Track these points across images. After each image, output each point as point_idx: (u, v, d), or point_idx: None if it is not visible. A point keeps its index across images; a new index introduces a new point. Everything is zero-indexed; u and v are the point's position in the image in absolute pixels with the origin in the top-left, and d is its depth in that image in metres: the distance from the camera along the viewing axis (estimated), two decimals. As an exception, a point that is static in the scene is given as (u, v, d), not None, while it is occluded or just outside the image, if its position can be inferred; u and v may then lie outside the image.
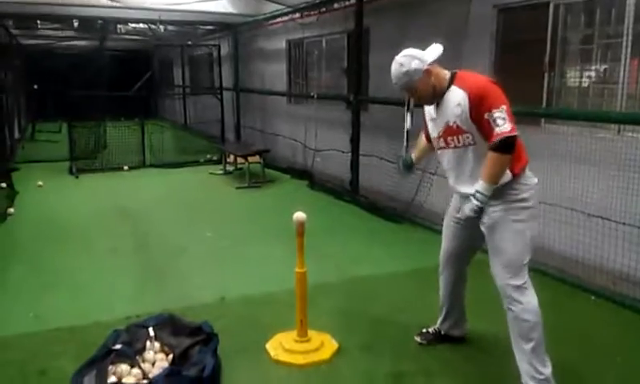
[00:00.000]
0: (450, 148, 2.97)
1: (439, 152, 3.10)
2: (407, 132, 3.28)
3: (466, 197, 2.94)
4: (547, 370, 2.83)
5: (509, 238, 2.83)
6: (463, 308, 3.48)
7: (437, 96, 2.94)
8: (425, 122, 3.21)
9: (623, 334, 3.72)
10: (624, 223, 4.26)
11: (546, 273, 4.57)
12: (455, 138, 2.90)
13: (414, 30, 6.35)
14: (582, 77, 5.08)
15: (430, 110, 3.09)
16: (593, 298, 4.25)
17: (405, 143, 3.35)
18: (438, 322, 3.53)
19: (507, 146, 2.69)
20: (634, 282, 4.18)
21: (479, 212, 2.84)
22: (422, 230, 6.13)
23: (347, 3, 7.72)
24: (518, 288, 2.83)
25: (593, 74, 4.98)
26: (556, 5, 5.03)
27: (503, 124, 2.68)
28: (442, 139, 3.00)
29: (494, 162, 2.73)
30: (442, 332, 3.51)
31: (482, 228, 2.96)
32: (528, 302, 2.82)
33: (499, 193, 2.83)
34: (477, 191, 2.78)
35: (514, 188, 2.83)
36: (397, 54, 3.01)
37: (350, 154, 7.68)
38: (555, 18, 5.06)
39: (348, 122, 7.69)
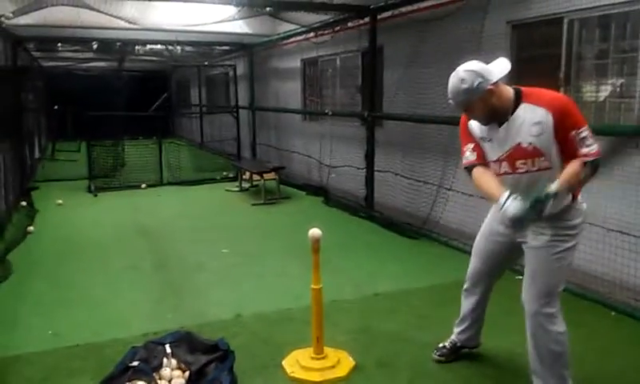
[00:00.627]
0: (519, 173, 2.67)
1: (500, 178, 2.75)
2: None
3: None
4: None
5: (550, 266, 2.70)
6: (483, 321, 3.43)
7: (496, 117, 2.66)
8: (475, 145, 2.85)
9: (645, 351, 3.65)
10: (644, 238, 4.20)
11: (566, 288, 4.49)
12: (529, 161, 2.61)
13: (428, 47, 6.38)
14: (597, 91, 5.05)
15: (481, 130, 2.79)
16: (613, 313, 4.18)
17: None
18: (455, 332, 3.47)
19: (596, 167, 2.53)
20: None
21: (528, 217, 2.50)
22: (438, 245, 6.10)
23: (361, 22, 7.79)
24: (549, 316, 2.72)
25: (609, 88, 4.95)
26: (570, 20, 5.02)
27: (592, 144, 2.50)
28: (505, 163, 2.70)
29: (576, 172, 2.49)
30: (459, 344, 3.47)
31: (524, 248, 2.82)
32: (557, 331, 2.72)
33: (552, 217, 2.61)
34: (554, 192, 2.45)
35: (568, 212, 2.67)
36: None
37: (364, 170, 7.70)
38: (570, 33, 5.05)
39: (363, 139, 7.72)
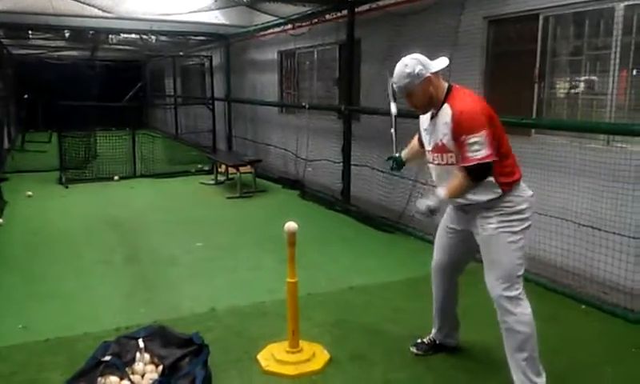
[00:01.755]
0: (435, 164, 3.02)
1: (429, 165, 3.12)
2: (395, 130, 3.37)
3: (459, 206, 3.02)
4: (541, 380, 2.86)
5: (503, 251, 2.84)
6: (457, 317, 3.48)
7: (432, 106, 2.95)
8: (420, 129, 3.22)
9: (614, 343, 3.72)
10: (614, 233, 4.28)
11: (538, 282, 4.58)
12: (440, 155, 2.94)
13: (405, 41, 6.39)
14: (571, 88, 5.13)
15: (423, 120, 3.10)
16: (583, 306, 4.26)
17: (394, 142, 3.40)
18: (433, 331, 3.52)
19: (479, 171, 2.74)
20: (624, 291, 4.20)
21: (429, 214, 2.86)
22: (413, 239, 6.14)
23: (339, 14, 7.77)
24: (512, 299, 2.83)
25: (582, 85, 5.03)
26: (545, 17, 5.08)
27: (479, 149, 2.71)
28: (431, 154, 3.03)
29: (457, 184, 2.81)
30: (437, 341, 3.51)
31: (477, 239, 2.98)
32: (522, 313, 2.83)
33: (493, 205, 2.86)
34: (436, 195, 2.85)
35: (508, 200, 2.84)
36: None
37: (341, 163, 7.69)
38: (545, 29, 5.11)
39: (339, 132, 7.71)
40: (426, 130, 3.07)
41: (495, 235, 2.86)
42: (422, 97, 2.91)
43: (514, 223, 2.84)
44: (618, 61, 4.52)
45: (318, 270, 5.05)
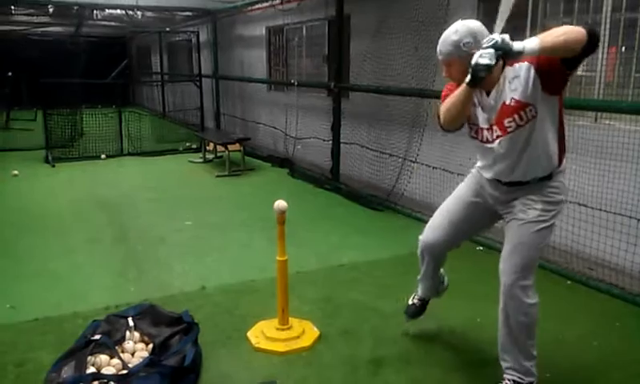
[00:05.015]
0: (510, 132, 2.59)
1: (490, 146, 2.69)
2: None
3: (507, 184, 2.73)
4: (529, 363, 2.80)
5: (535, 240, 2.71)
6: (443, 276, 3.42)
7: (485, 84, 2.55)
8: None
9: (599, 318, 3.78)
10: (600, 209, 4.32)
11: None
12: (516, 117, 2.55)
13: (395, 17, 6.33)
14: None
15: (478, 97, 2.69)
16: (568, 282, 4.32)
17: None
18: (420, 292, 3.41)
19: (595, 32, 2.38)
20: (609, 267, 4.26)
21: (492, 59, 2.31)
22: (402, 217, 6.16)
23: (328, -10, 7.68)
24: (524, 288, 2.72)
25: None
26: (535, -7, 5.06)
27: None
28: (495, 127, 2.64)
29: (566, 28, 2.37)
30: (427, 299, 3.43)
31: (511, 220, 2.77)
32: (528, 303, 2.73)
33: (541, 189, 2.67)
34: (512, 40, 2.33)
35: (556, 186, 2.69)
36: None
37: (330, 141, 7.67)
38: (535, 6, 5.09)
39: (329, 110, 7.67)
40: (478, 105, 2.68)
41: (535, 222, 2.68)
42: (460, 72, 2.54)
43: (554, 213, 2.70)
44: (606, 38, 4.52)
45: (307, 248, 5.06)
